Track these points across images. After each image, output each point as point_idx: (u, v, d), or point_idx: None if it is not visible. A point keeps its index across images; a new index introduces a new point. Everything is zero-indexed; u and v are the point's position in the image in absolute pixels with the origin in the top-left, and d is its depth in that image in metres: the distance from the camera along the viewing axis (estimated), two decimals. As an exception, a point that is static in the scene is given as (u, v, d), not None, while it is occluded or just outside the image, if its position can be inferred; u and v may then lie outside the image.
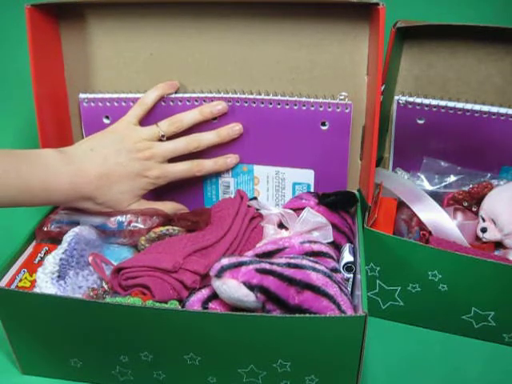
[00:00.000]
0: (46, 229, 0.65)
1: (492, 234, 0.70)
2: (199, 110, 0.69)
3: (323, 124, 0.69)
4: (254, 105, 0.69)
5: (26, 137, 0.88)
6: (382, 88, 0.70)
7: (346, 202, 0.69)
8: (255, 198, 0.72)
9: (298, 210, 0.67)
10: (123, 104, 0.71)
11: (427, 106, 0.74)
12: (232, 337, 0.54)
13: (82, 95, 0.72)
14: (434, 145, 0.77)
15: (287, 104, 0.68)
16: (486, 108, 0.71)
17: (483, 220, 0.71)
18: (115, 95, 0.71)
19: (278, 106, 0.69)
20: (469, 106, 0.72)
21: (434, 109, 0.74)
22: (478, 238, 0.72)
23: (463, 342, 0.68)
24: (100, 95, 0.72)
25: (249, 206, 0.70)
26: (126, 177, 0.64)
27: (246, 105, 0.69)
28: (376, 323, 0.70)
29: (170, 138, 0.68)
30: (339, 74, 0.69)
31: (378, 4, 0.60)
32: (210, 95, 0.70)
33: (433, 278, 0.64)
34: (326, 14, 0.66)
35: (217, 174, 0.74)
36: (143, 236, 0.65)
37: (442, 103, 0.73)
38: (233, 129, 0.70)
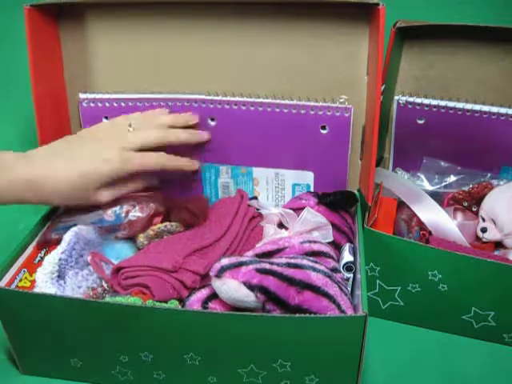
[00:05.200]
0: (48, 237, 0.65)
1: (492, 234, 0.70)
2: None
3: (323, 128, 0.68)
4: (253, 108, 0.69)
5: (25, 137, 0.88)
6: (382, 88, 0.70)
7: (345, 201, 0.69)
8: (255, 198, 0.72)
9: (298, 209, 0.67)
10: (122, 104, 0.71)
11: (427, 106, 0.74)
12: (232, 337, 0.54)
13: (81, 95, 0.72)
14: (433, 145, 0.77)
15: (286, 108, 0.68)
16: (486, 108, 0.71)
17: (483, 220, 0.71)
18: (114, 95, 0.71)
19: (277, 110, 0.68)
20: (469, 106, 0.72)
21: (434, 109, 0.74)
22: (478, 238, 0.72)
23: (463, 342, 0.68)
24: (100, 95, 0.72)
25: (249, 206, 0.70)
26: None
27: (243, 108, 0.69)
28: (376, 323, 0.70)
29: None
30: (339, 73, 0.68)
31: (377, 4, 0.60)
32: (208, 98, 0.69)
33: (433, 278, 0.64)
34: (326, 13, 0.66)
35: (216, 176, 0.74)
36: (142, 230, 0.65)
37: (442, 103, 0.73)
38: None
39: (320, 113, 0.68)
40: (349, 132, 0.68)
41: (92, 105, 0.72)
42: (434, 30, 0.72)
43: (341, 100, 0.67)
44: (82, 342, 0.58)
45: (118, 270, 0.59)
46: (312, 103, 0.68)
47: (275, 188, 0.74)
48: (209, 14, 0.68)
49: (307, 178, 0.72)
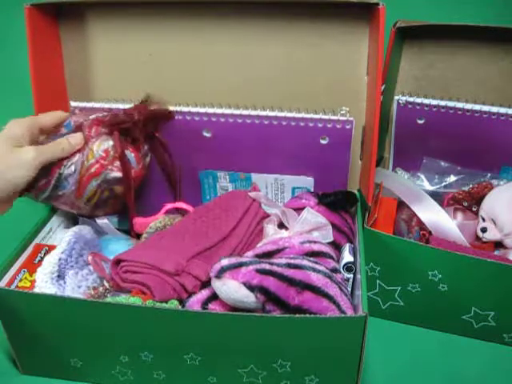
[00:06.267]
0: None
1: (492, 234, 0.70)
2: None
3: (323, 138, 0.67)
4: (249, 121, 0.66)
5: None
6: (382, 88, 0.70)
7: (345, 201, 0.69)
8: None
9: (298, 209, 0.66)
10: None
11: (427, 105, 0.74)
12: (232, 337, 0.54)
13: (72, 103, 0.70)
14: (433, 145, 0.77)
15: (284, 120, 0.66)
16: (486, 108, 0.71)
17: (483, 220, 0.71)
18: (106, 105, 0.69)
19: (275, 123, 0.66)
20: (469, 106, 0.72)
21: (434, 109, 0.73)
22: (478, 238, 0.72)
23: (463, 342, 0.68)
24: (90, 104, 0.69)
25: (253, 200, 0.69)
26: None
27: (239, 121, 0.67)
28: (376, 323, 0.70)
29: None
30: (339, 74, 0.68)
31: (377, 4, 0.60)
32: (203, 110, 0.67)
33: (433, 278, 0.64)
34: (326, 14, 0.66)
35: (214, 180, 0.73)
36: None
37: (442, 103, 0.73)
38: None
39: (320, 125, 0.65)
40: (350, 144, 0.66)
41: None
42: (433, 30, 0.72)
43: (342, 112, 0.65)
44: (82, 342, 0.58)
45: (117, 262, 0.59)
46: (311, 115, 0.65)
47: (275, 190, 0.73)
48: (209, 13, 0.68)
49: (307, 182, 0.71)
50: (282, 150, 0.69)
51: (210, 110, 0.67)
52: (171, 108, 0.68)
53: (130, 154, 0.65)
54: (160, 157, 0.70)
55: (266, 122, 0.66)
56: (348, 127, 0.65)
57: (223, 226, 0.64)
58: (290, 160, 0.70)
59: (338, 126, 0.65)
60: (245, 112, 0.66)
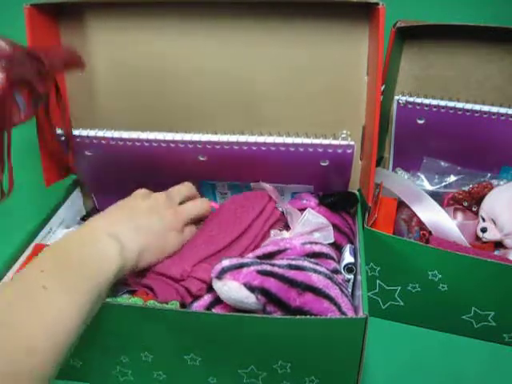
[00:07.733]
0: None
1: (492, 234, 0.70)
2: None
3: (323, 161, 0.65)
4: (246, 148, 0.64)
5: (24, 140, 0.88)
6: (382, 88, 0.70)
7: (346, 202, 0.68)
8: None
9: (299, 210, 0.66)
10: (103, 142, 0.66)
11: (427, 106, 0.74)
12: (232, 337, 0.54)
13: (58, 131, 0.67)
14: (433, 145, 0.77)
15: (283, 146, 0.63)
16: (486, 108, 0.71)
17: (483, 220, 0.71)
18: (94, 132, 0.65)
19: (273, 149, 0.64)
20: (469, 106, 0.72)
21: (434, 109, 0.73)
22: (478, 238, 0.72)
23: (463, 342, 0.68)
24: (77, 131, 0.66)
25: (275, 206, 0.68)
26: None
27: (235, 148, 0.64)
28: (376, 323, 0.70)
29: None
30: (339, 74, 0.68)
31: (377, 4, 0.60)
32: (197, 139, 0.64)
33: (433, 278, 0.64)
34: (326, 14, 0.66)
35: (213, 186, 0.73)
36: None
37: (442, 103, 0.73)
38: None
39: (320, 150, 0.63)
40: (350, 167, 0.65)
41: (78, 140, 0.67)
42: (433, 30, 0.72)
43: (343, 135, 0.63)
44: (82, 342, 0.58)
45: None
46: (311, 140, 0.63)
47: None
48: (210, 14, 0.68)
49: (306, 189, 0.71)
50: (281, 172, 0.68)
51: (204, 138, 0.64)
52: (163, 136, 0.64)
53: (20, 98, 0.56)
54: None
55: (263, 149, 0.64)
56: (349, 151, 0.63)
57: (236, 226, 0.64)
58: (289, 178, 0.69)
59: (339, 151, 0.63)
60: (242, 138, 0.64)
